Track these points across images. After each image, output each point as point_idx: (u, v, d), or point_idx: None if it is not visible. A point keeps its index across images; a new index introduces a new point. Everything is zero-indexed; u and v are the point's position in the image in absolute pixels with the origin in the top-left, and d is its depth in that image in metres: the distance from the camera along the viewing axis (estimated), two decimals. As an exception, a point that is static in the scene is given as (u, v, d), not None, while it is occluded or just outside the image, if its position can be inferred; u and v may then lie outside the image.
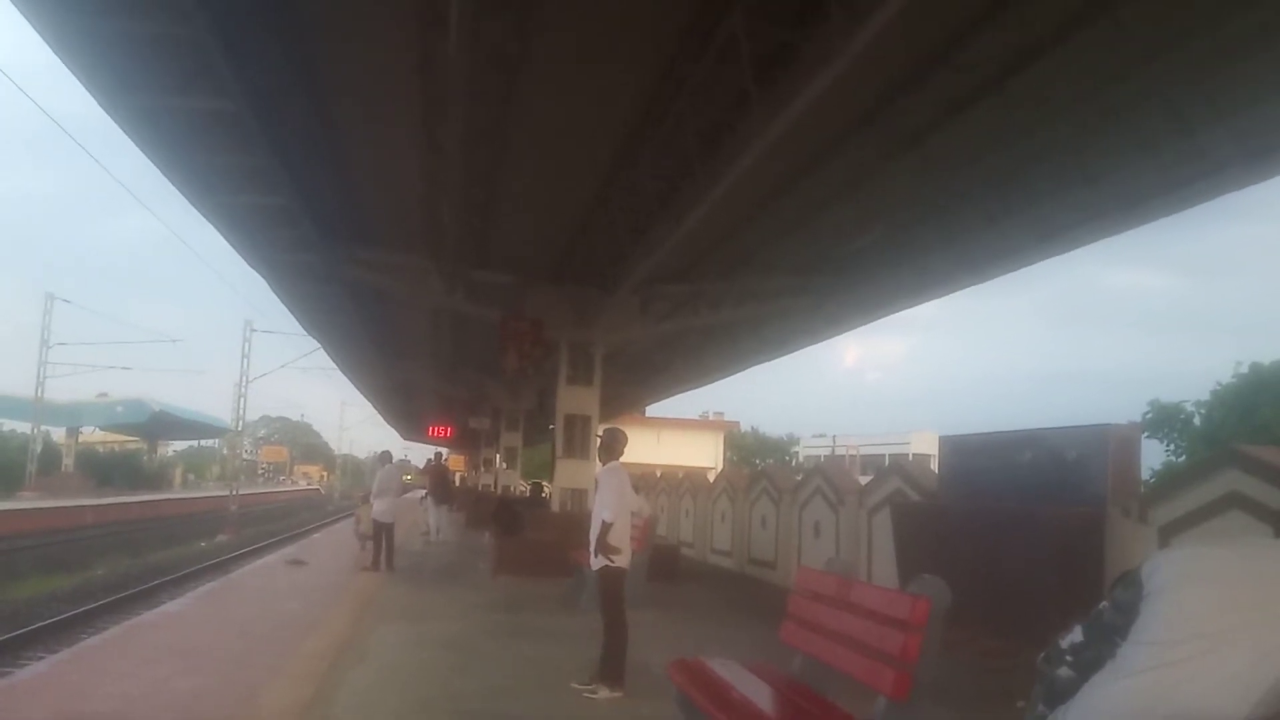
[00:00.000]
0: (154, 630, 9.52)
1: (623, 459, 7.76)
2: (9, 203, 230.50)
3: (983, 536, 8.99)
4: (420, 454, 67.95)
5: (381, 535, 15.22)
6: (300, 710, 6.25)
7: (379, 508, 15.28)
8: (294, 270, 15.17)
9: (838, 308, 17.18)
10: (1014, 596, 8.12)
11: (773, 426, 78.50)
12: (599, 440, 8.29)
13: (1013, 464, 9.54)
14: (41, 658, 10.26)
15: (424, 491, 26.41)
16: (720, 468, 48.68)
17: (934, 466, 12.66)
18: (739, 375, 27.79)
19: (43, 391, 50.22)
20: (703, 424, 63.04)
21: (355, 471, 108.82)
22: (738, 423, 68.29)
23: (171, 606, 11.64)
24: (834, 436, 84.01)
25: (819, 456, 68.04)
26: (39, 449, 52.09)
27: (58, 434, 59.56)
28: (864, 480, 14.77)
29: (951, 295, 15.74)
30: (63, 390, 53.91)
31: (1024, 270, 13.25)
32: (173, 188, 11.40)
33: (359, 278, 15.65)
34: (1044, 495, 8.82)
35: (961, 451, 10.83)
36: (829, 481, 14.29)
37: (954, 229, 12.80)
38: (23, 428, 55.98)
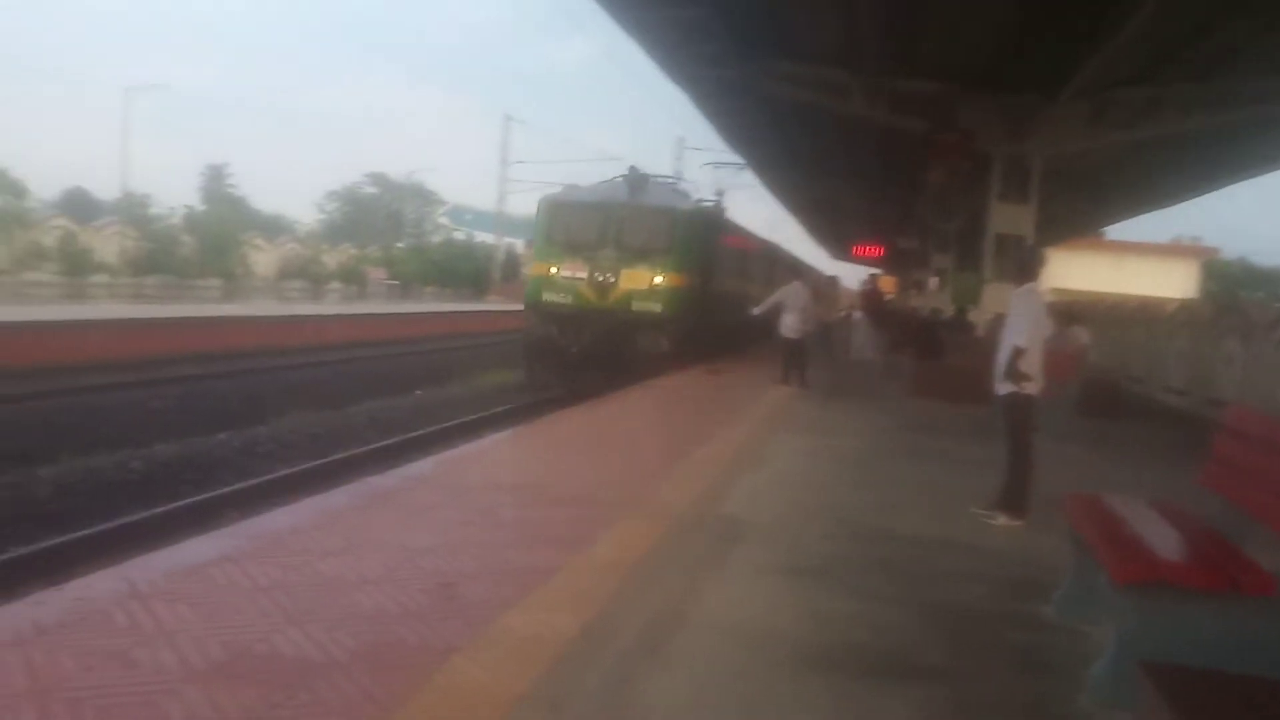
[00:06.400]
0: (582, 420, 10.64)
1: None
2: (461, 30, 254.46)
3: None
4: (847, 274, 67.60)
5: (792, 352, 15.38)
6: (692, 501, 6.60)
7: (786, 323, 15.36)
8: (714, 85, 15.30)
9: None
10: None
11: (1269, 256, 67.58)
12: (1016, 260, 7.54)
13: None
14: (485, 435, 11.69)
15: (857, 312, 26.28)
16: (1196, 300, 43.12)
17: None
18: (1221, 196, 24.01)
19: (504, 205, 58.05)
20: (1172, 249, 55.73)
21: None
22: (1218, 249, 59.72)
23: (600, 403, 12.78)
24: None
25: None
26: (502, 258, 60.51)
27: (518, 245, 67.77)
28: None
29: None
30: (521, 205, 61.16)
31: None
32: (599, 6, 11.85)
33: (776, 92, 15.41)
34: None
35: None
36: (1316, 317, 12.10)
37: None
38: (488, 239, 64.74)
